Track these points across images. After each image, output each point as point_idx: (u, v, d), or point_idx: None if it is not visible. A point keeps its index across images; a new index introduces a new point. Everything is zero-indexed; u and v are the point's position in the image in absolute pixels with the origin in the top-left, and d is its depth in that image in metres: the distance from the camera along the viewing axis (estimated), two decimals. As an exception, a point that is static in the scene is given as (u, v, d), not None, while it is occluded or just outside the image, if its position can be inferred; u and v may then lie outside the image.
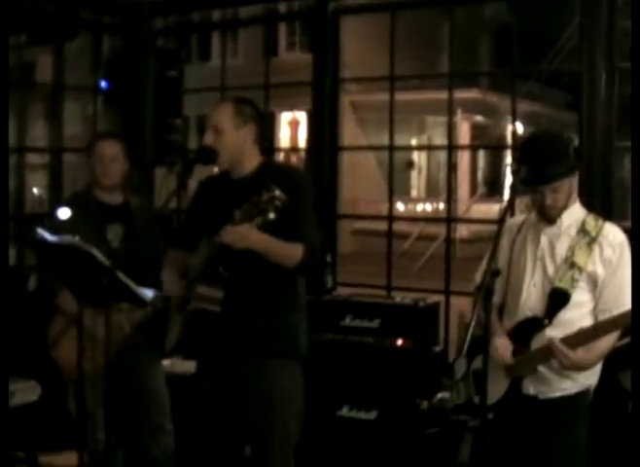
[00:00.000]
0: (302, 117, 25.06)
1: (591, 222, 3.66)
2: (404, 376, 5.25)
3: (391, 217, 6.55)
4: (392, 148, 6.53)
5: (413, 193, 28.34)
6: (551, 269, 3.65)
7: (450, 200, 7.74)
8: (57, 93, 6.84)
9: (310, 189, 3.98)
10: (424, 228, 19.13)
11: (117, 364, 4.12)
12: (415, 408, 5.09)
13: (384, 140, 6.73)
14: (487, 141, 26.48)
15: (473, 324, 3.27)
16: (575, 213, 3.68)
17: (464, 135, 24.38)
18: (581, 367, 3.58)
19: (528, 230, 3.76)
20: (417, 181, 28.77)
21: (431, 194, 27.60)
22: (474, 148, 28.85)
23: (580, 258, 3.58)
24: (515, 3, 6.52)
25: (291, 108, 22.69)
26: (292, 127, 26.19)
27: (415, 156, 27.55)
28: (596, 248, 3.59)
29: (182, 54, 6.80)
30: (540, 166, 3.53)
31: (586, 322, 3.60)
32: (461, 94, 14.14)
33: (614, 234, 3.63)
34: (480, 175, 29.19)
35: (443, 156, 23.45)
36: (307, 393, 3.99)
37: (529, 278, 3.68)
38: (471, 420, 3.81)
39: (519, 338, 3.66)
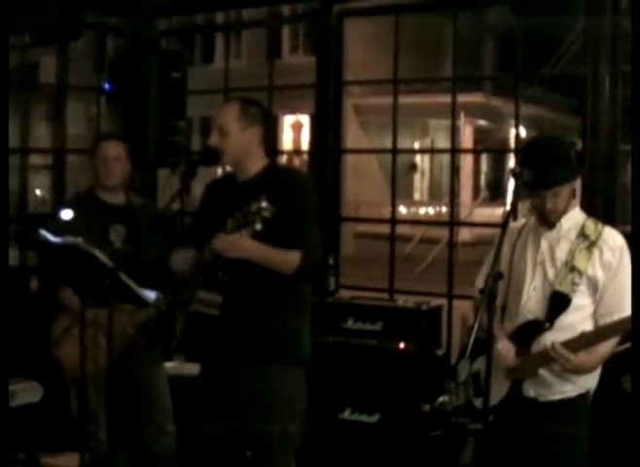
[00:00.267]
0: (304, 119, 25.07)
1: (591, 226, 3.67)
2: (406, 379, 5.24)
3: (394, 220, 6.55)
4: (395, 151, 6.52)
5: (416, 196, 28.32)
6: (551, 273, 3.65)
7: (453, 204, 7.75)
8: (61, 94, 6.85)
9: (312, 192, 3.95)
10: (427, 231, 19.13)
11: (119, 365, 4.12)
12: (417, 411, 5.07)
13: (387, 143, 6.74)
14: (490, 145, 26.49)
15: (476, 327, 3.27)
16: (575, 217, 3.69)
17: (467, 139, 24.39)
18: (582, 370, 3.58)
19: (528, 234, 3.78)
20: (420, 184, 28.75)
21: (434, 197, 27.58)
22: (477, 152, 28.90)
23: (580, 262, 3.59)
24: (518, 7, 6.51)
25: (294, 111, 22.70)
26: (295, 130, 26.19)
27: (418, 159, 27.56)
28: (596, 252, 3.60)
29: (185, 56, 6.81)
30: (542, 171, 3.53)
31: (587, 326, 3.60)
32: (464, 98, 14.18)
33: (614, 238, 3.64)
34: (482, 179, 29.18)
35: (445, 159, 23.47)
36: (309, 396, 3.98)
37: (529, 282, 3.69)
38: (471, 423, 3.81)
39: (520, 340, 3.66)
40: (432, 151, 30.21)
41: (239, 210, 3.62)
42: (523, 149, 3.74)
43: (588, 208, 4.99)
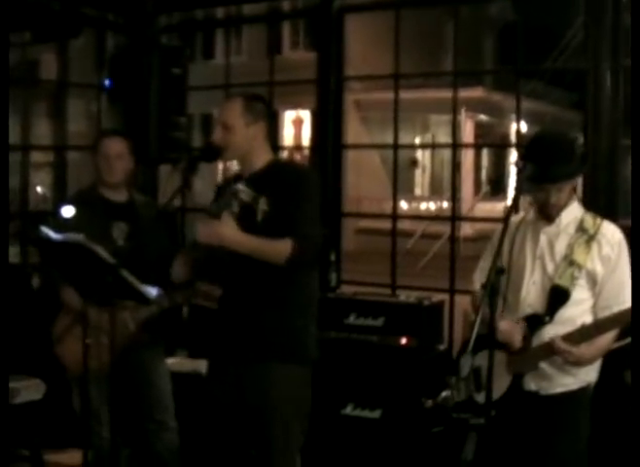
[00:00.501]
0: (305, 115, 25.06)
1: (590, 220, 3.70)
2: (408, 374, 5.24)
3: (395, 216, 6.54)
4: (396, 146, 6.52)
5: (417, 191, 28.33)
6: (550, 268, 3.68)
7: (454, 199, 7.75)
8: (61, 91, 6.85)
9: (311, 185, 3.91)
10: (428, 226, 19.12)
11: (121, 361, 4.13)
12: (420, 406, 5.07)
13: (388, 139, 6.73)
14: (491, 140, 26.49)
15: (478, 321, 3.28)
16: (573, 211, 3.72)
17: (468, 134, 24.36)
18: (583, 362, 3.61)
19: (527, 228, 3.80)
20: (421, 179, 28.75)
21: (435, 192, 27.58)
22: (478, 147, 28.88)
23: (579, 256, 3.62)
24: (519, 1, 6.51)
25: (295, 106, 22.68)
26: (296, 126, 26.19)
27: (419, 154, 27.55)
28: (595, 246, 3.63)
29: (186, 52, 6.81)
30: (548, 165, 3.55)
31: (586, 319, 3.63)
32: (465, 93, 14.15)
33: (612, 233, 3.68)
34: (483, 174, 29.19)
35: (447, 154, 23.42)
36: (311, 392, 3.97)
37: (529, 276, 3.72)
38: (472, 418, 3.81)
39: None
40: (433, 146, 30.19)
41: (221, 197, 3.63)
42: (528, 143, 3.75)
43: (590, 202, 5.00)
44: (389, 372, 5.29)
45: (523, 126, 16.15)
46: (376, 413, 5.32)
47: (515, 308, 3.72)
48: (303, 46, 24.61)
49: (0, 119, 4.05)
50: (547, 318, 3.63)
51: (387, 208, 8.14)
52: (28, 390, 5.21)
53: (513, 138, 16.69)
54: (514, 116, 7.06)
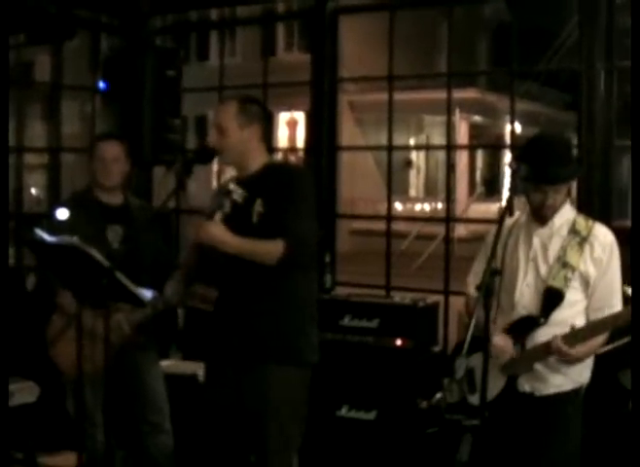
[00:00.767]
0: (300, 117, 25.06)
1: (582, 222, 3.72)
2: (403, 375, 5.25)
3: (389, 217, 6.54)
4: (390, 148, 6.52)
5: (412, 192, 28.34)
6: (543, 270, 3.70)
7: (449, 200, 7.74)
8: (56, 93, 6.84)
9: (305, 185, 3.90)
10: (423, 227, 19.12)
11: (116, 364, 4.12)
12: (415, 408, 5.08)
13: (382, 140, 6.73)
14: (486, 141, 26.51)
15: (473, 323, 3.28)
16: (566, 214, 3.74)
17: (462, 135, 24.38)
18: (576, 361, 3.62)
19: (520, 231, 3.82)
20: (416, 181, 28.76)
21: (429, 193, 27.60)
22: (472, 148, 28.84)
23: (572, 257, 3.65)
24: (513, 2, 6.51)
25: (289, 108, 22.68)
26: (290, 127, 26.18)
27: (414, 155, 27.55)
28: (587, 248, 3.66)
29: (180, 54, 6.79)
30: (547, 166, 3.57)
31: (579, 321, 3.66)
32: (459, 94, 14.15)
33: (604, 235, 3.71)
34: (478, 175, 29.20)
35: (441, 155, 23.44)
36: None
37: (522, 278, 3.74)
38: (465, 419, 3.82)
39: (514, 336, 3.69)
40: (427, 147, 30.12)
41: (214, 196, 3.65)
42: (527, 144, 3.76)
43: (584, 203, 5.01)
44: (384, 373, 5.30)
45: (518, 127, 16.17)
46: (372, 415, 5.32)
47: (508, 310, 3.74)
48: (298, 47, 24.63)
49: (0, 121, 4.04)
50: (541, 320, 3.65)
51: (382, 209, 8.15)
52: (22, 393, 5.20)
53: (507, 139, 16.69)
54: (508, 117, 7.06)
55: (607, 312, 3.60)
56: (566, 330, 3.56)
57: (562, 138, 3.84)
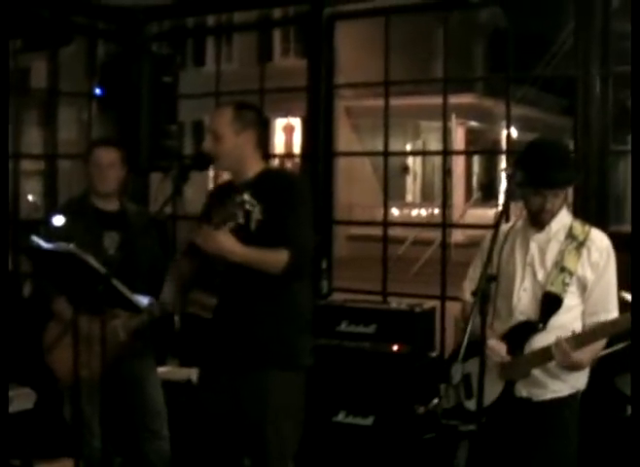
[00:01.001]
0: (296, 123, 25.08)
1: (578, 227, 3.74)
2: (400, 381, 5.24)
3: (386, 222, 6.54)
4: (387, 153, 6.52)
5: (408, 198, 28.35)
6: (540, 274, 3.71)
7: (445, 205, 7.73)
8: (52, 99, 6.84)
9: (303, 193, 3.93)
10: (419, 233, 19.14)
11: (113, 370, 4.11)
12: (412, 413, 5.07)
13: (379, 145, 6.73)
14: (482, 146, 26.53)
15: (469, 328, 3.28)
16: (563, 219, 3.75)
17: (459, 140, 24.43)
18: (577, 366, 3.62)
19: (516, 236, 3.82)
20: (412, 186, 28.79)
21: (426, 199, 27.62)
22: (468, 153, 28.96)
23: (570, 262, 3.65)
24: (509, 8, 6.52)
25: (285, 114, 22.70)
26: (286, 133, 26.20)
27: (410, 161, 27.58)
28: (585, 252, 3.67)
29: (177, 60, 6.80)
30: (547, 170, 3.59)
31: (577, 326, 3.66)
32: (456, 99, 14.14)
33: (600, 239, 3.72)
34: (474, 180, 29.24)
35: (437, 161, 23.48)
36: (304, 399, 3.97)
37: (519, 284, 3.74)
38: (461, 425, 3.82)
39: (513, 341, 3.69)
40: (424, 153, 30.27)
41: (223, 205, 3.63)
42: (526, 148, 3.77)
43: (581, 208, 5.02)
44: (381, 379, 5.29)
45: (514, 133, 16.18)
46: (369, 421, 5.31)
47: (506, 316, 3.74)
48: (294, 53, 24.64)
49: (0, 126, 4.04)
50: (540, 325, 3.65)
51: (378, 215, 8.14)
52: (19, 399, 5.20)
53: (504, 144, 16.73)
54: (504, 122, 7.07)
55: (603, 316, 3.61)
56: (565, 335, 3.55)
57: (561, 143, 3.86)
